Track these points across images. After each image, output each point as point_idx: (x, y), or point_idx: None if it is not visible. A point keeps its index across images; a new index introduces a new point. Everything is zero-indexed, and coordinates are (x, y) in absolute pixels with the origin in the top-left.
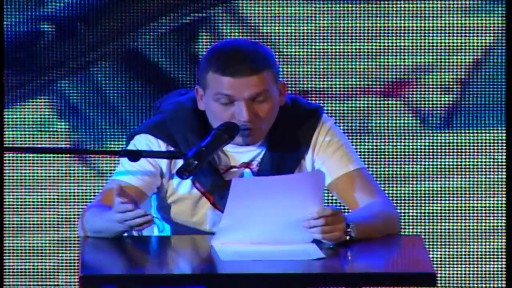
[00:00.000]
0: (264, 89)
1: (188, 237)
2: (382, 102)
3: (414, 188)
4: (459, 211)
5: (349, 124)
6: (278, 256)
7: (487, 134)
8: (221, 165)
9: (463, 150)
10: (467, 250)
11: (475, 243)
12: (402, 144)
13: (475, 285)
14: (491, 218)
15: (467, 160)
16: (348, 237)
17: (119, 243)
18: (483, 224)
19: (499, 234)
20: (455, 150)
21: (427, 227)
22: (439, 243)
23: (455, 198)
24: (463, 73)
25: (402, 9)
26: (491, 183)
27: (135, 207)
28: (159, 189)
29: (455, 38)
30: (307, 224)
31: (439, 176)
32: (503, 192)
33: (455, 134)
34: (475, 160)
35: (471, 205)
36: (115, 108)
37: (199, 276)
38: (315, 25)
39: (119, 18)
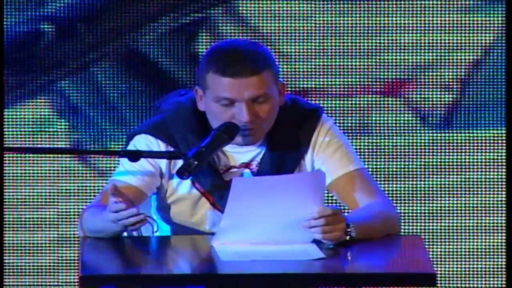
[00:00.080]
0: (264, 90)
1: (188, 237)
2: (381, 100)
3: (414, 187)
4: (459, 209)
5: (349, 123)
6: (278, 256)
7: (487, 133)
8: (221, 165)
9: (463, 150)
10: (467, 247)
11: (475, 241)
12: (402, 143)
13: (475, 283)
14: (491, 216)
15: (467, 158)
16: (348, 237)
17: (119, 243)
18: (483, 222)
19: (499, 232)
20: (455, 150)
21: (426, 225)
22: (438, 241)
23: (455, 197)
24: (463, 72)
25: (402, 7)
26: (491, 182)
27: (129, 206)
28: (158, 189)
29: (455, 36)
30: (307, 224)
31: (438, 174)
32: (503, 191)
33: (455, 133)
34: (475, 158)
35: (470, 203)
36: (115, 108)
37: (199, 276)
38: (314, 24)
39: (119, 18)
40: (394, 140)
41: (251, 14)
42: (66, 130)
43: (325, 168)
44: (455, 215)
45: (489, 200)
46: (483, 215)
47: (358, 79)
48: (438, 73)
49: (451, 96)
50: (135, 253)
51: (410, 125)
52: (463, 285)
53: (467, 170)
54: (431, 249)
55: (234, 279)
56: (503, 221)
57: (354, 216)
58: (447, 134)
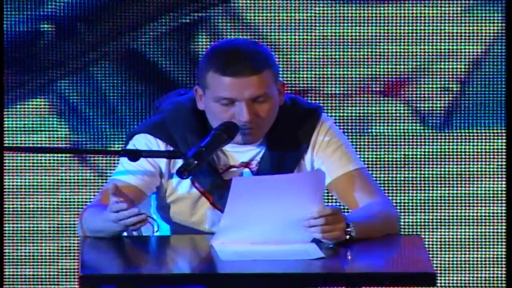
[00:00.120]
0: (264, 90)
1: (187, 237)
2: (381, 101)
3: (414, 186)
4: (459, 212)
5: (348, 123)
6: (278, 256)
7: (487, 132)
8: (220, 165)
9: (463, 150)
10: (467, 246)
11: (474, 239)
12: (402, 142)
13: (475, 274)
14: (491, 223)
15: (467, 158)
16: (348, 237)
17: (118, 243)
18: (483, 221)
19: (499, 229)
20: (455, 149)
21: (426, 224)
22: (438, 239)
23: (456, 203)
24: (462, 71)
25: (402, 7)
26: (491, 181)
27: (130, 206)
28: (158, 189)
29: (454, 35)
30: (307, 223)
31: (439, 178)
32: (503, 190)
33: (455, 133)
34: (475, 158)
35: (470, 203)
36: (114, 108)
37: (199, 276)
38: (313, 24)
39: (118, 18)
40: (394, 140)
41: (251, 16)
42: (66, 130)
43: (325, 167)
44: (455, 218)
45: (489, 201)
46: (484, 220)
47: (357, 79)
48: (438, 73)
49: (450, 97)
50: (135, 253)
51: (410, 126)
52: (462, 276)
53: (467, 172)
54: (430, 248)
55: (234, 278)
56: (504, 219)
57: (354, 215)
58: (447, 134)
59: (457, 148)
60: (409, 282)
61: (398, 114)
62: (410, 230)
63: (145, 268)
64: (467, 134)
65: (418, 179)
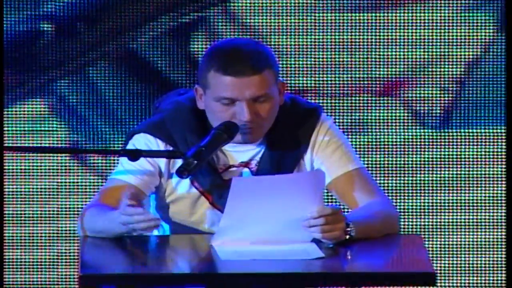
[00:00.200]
0: (265, 90)
1: (187, 237)
2: (380, 103)
3: (414, 184)
4: (459, 206)
5: (348, 123)
6: (278, 255)
7: (486, 131)
8: (220, 164)
9: (463, 151)
10: (467, 250)
11: (475, 242)
12: (402, 142)
13: (474, 278)
14: (491, 226)
15: (466, 160)
16: (347, 237)
17: (118, 242)
18: (482, 218)
19: (499, 228)
20: (455, 148)
21: (426, 222)
22: (438, 237)
23: (456, 206)
24: (462, 70)
25: (402, 5)
26: (491, 179)
27: (138, 208)
28: (158, 189)
29: (453, 34)
30: (306, 223)
31: (439, 180)
32: (503, 193)
33: (454, 132)
34: (475, 160)
35: (471, 200)
36: (114, 109)
37: (199, 276)
38: (312, 24)
39: (118, 18)
40: (394, 140)
41: (249, 14)
42: (66, 129)
43: (325, 167)
44: (455, 211)
45: (489, 201)
46: (484, 226)
47: (356, 81)
48: (438, 72)
49: (450, 94)
50: (134, 253)
51: (410, 124)
52: (462, 281)
53: (467, 170)
54: (430, 245)
55: (233, 278)
56: (503, 217)
57: (353, 215)
58: (446, 134)
59: (456, 149)
60: (409, 282)
61: (397, 116)
62: (410, 233)
63: (145, 268)
64: (467, 134)
65: (418, 181)
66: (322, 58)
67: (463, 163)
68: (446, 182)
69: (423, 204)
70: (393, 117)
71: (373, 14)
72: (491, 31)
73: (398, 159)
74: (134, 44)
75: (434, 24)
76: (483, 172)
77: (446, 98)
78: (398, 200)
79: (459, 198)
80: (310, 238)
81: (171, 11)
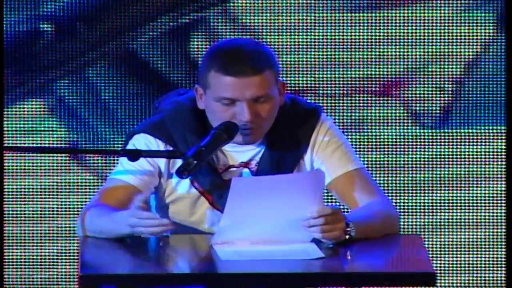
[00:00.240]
0: (266, 91)
1: (187, 237)
2: (379, 102)
3: (414, 183)
4: (459, 214)
5: (346, 124)
6: (278, 255)
7: (486, 130)
8: (220, 165)
9: (462, 150)
10: (467, 248)
11: (474, 240)
12: (400, 143)
13: (474, 276)
14: (491, 225)
15: (466, 159)
16: (347, 237)
17: (118, 242)
18: (482, 217)
19: (499, 228)
20: (453, 149)
21: (426, 221)
22: (438, 236)
23: (456, 205)
24: (462, 69)
25: (399, 12)
26: (490, 178)
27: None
28: (157, 189)
29: (453, 33)
30: (306, 223)
31: (438, 179)
32: (503, 191)
33: (454, 131)
34: (474, 158)
35: (471, 199)
36: (114, 109)
37: (199, 276)
38: (312, 25)
39: (118, 18)
40: (393, 139)
41: (249, 15)
42: (65, 129)
43: (325, 167)
44: (454, 210)
45: (489, 200)
46: (484, 224)
47: (354, 80)
48: (437, 71)
49: (450, 94)
50: (134, 253)
51: (409, 123)
52: (462, 279)
53: (466, 169)
54: (430, 244)
55: (233, 278)
56: (503, 216)
57: (353, 215)
58: (445, 134)
59: (456, 148)
60: (409, 282)
61: (396, 115)
62: (410, 232)
63: (145, 267)
64: (467, 134)
65: (417, 180)
66: (320, 58)
67: (462, 162)
68: (446, 181)
69: (423, 203)
70: (393, 116)
71: (372, 13)
72: (490, 30)
73: (398, 158)
74: (133, 44)
75: (433, 23)
76: (482, 171)
77: (446, 97)
78: (398, 199)
79: (458, 197)
80: (310, 238)
81: (170, 11)
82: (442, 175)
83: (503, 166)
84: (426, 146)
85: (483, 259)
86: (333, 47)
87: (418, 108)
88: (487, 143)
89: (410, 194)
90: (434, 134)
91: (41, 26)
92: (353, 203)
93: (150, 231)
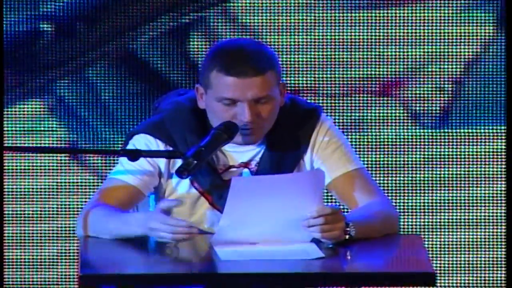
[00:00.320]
0: (267, 91)
1: None
2: (378, 102)
3: (413, 183)
4: (459, 214)
5: (346, 124)
6: (278, 255)
7: (486, 130)
8: (220, 165)
9: (462, 150)
10: (467, 248)
11: (474, 240)
12: (400, 143)
13: (474, 276)
14: (491, 224)
15: (466, 159)
16: (347, 237)
17: (118, 242)
18: (482, 217)
19: (499, 227)
20: (453, 149)
21: (426, 221)
22: (438, 235)
23: (456, 205)
24: (460, 73)
25: (398, 11)
26: (491, 182)
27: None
28: (157, 189)
29: (453, 33)
30: (306, 223)
31: (438, 179)
32: (503, 191)
33: (453, 134)
34: (474, 158)
35: (471, 198)
36: (114, 109)
37: (199, 276)
38: (312, 25)
39: (117, 18)
40: (393, 139)
41: (249, 15)
42: (65, 129)
43: (325, 167)
44: (454, 210)
45: (488, 200)
46: (484, 223)
47: (354, 80)
48: (437, 71)
49: (450, 93)
50: (134, 253)
51: (409, 123)
52: (462, 279)
53: (466, 169)
54: (430, 244)
55: (233, 278)
56: (503, 216)
57: (353, 215)
58: (446, 132)
59: (456, 148)
60: (409, 282)
61: (396, 115)
62: (410, 232)
63: (145, 267)
64: (467, 134)
65: (417, 180)
66: (320, 58)
67: (462, 162)
68: (446, 181)
69: (423, 203)
70: (392, 116)
71: (372, 13)
72: (490, 30)
73: (397, 158)
74: (133, 44)
75: (433, 22)
76: (482, 171)
77: (445, 97)
78: (398, 199)
79: (458, 197)
80: (310, 238)
81: (170, 11)
82: (442, 175)
83: (503, 166)
84: (426, 146)
85: (483, 259)
86: (333, 47)
87: (418, 108)
88: (487, 143)
89: (410, 194)
90: (434, 134)
91: (41, 26)
92: (353, 203)
93: (176, 237)
